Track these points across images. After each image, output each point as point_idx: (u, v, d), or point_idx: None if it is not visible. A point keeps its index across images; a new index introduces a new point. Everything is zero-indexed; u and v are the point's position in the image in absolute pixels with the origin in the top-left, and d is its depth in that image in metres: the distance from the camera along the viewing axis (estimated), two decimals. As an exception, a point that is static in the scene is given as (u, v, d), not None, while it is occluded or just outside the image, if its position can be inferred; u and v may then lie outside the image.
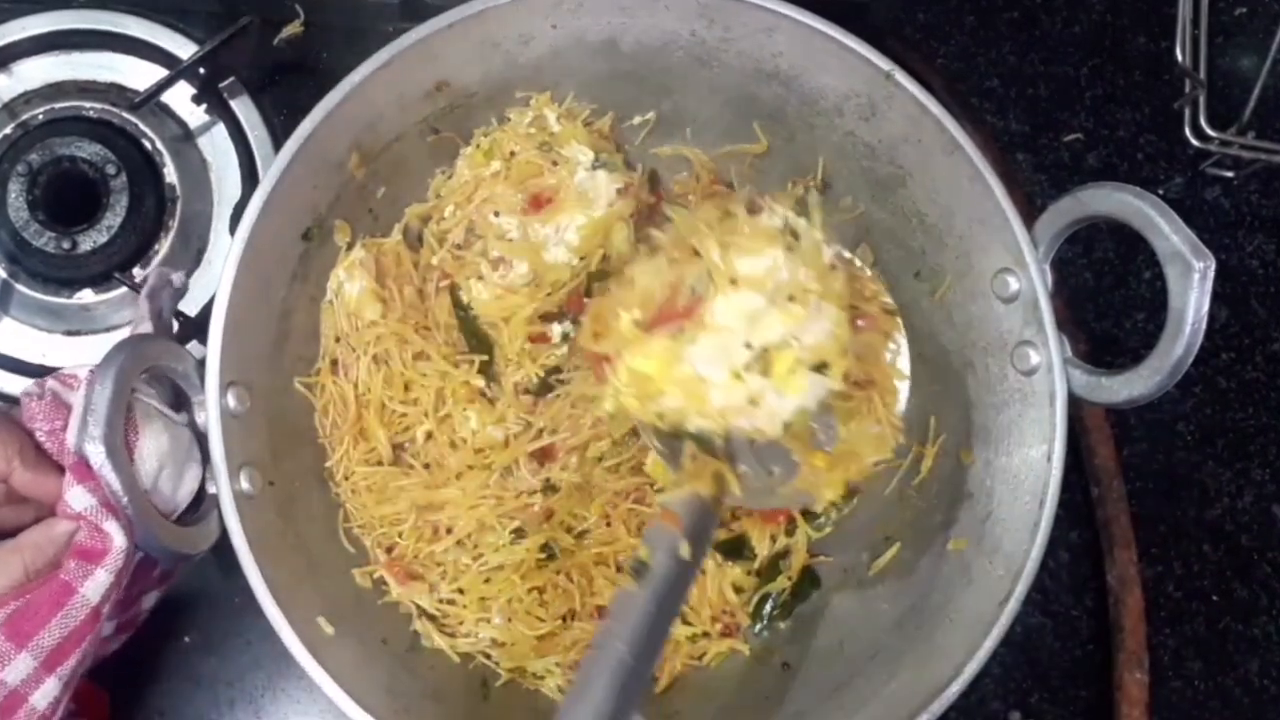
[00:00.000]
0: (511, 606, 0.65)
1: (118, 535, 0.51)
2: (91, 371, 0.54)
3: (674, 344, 0.54)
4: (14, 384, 0.73)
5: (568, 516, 0.67)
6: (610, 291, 0.59)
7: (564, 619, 0.66)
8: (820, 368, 0.55)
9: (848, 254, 0.67)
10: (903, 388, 0.63)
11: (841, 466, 0.59)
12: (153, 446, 0.53)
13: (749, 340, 0.53)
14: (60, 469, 0.52)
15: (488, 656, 0.66)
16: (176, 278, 0.60)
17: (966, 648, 0.57)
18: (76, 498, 0.51)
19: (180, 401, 0.58)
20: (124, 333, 0.58)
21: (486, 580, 0.65)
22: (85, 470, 0.51)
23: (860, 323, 0.60)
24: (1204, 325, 0.53)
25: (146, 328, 0.57)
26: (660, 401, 0.56)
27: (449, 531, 0.66)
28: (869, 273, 0.67)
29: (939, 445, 0.66)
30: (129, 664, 0.70)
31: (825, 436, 0.60)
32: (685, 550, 0.55)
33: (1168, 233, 0.53)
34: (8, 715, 0.49)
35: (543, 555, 0.66)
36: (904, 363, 0.64)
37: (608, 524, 0.67)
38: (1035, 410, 0.60)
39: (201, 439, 0.57)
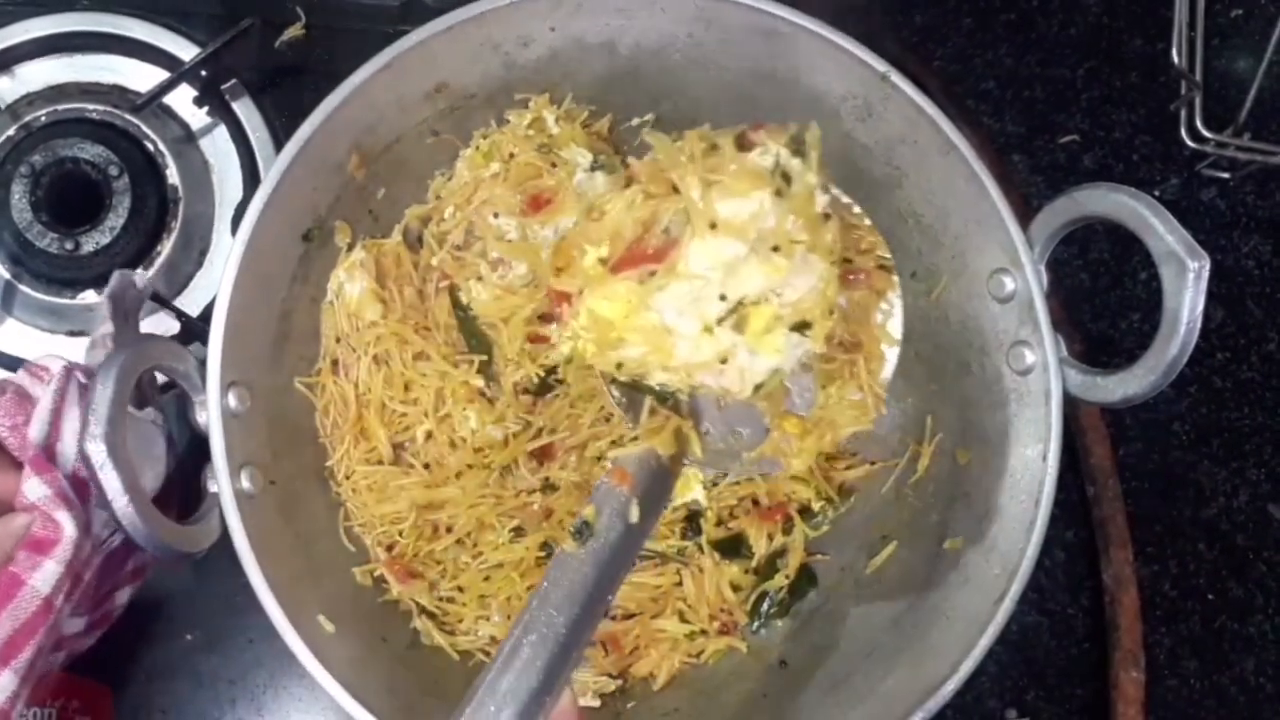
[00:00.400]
0: (511, 604, 0.65)
1: (68, 525, 0.51)
2: (65, 368, 0.54)
3: (641, 288, 0.49)
4: (16, 384, 0.73)
5: (567, 515, 0.67)
6: (578, 222, 0.54)
7: (563, 617, 0.66)
8: (801, 327, 0.50)
9: (845, 198, 0.59)
10: (891, 354, 0.59)
11: (816, 434, 0.56)
12: None
13: (724, 291, 0.48)
14: (19, 466, 0.52)
15: (487, 654, 0.66)
16: (139, 279, 0.59)
17: (963, 646, 0.57)
18: (32, 489, 0.51)
19: (144, 398, 0.58)
20: (104, 333, 0.57)
21: (486, 578, 0.66)
22: (43, 463, 0.51)
23: (851, 278, 0.56)
24: (1199, 325, 0.53)
25: (108, 329, 0.57)
26: (621, 350, 0.51)
27: (449, 530, 0.66)
28: (867, 222, 0.60)
29: (935, 444, 0.67)
30: (131, 662, 0.70)
31: (801, 400, 0.56)
32: (634, 513, 0.51)
33: (1163, 233, 0.53)
34: None
35: (542, 554, 0.66)
36: (895, 325, 0.59)
37: (607, 523, 0.67)
38: (1031, 410, 0.60)
39: (171, 435, 0.57)
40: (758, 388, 0.51)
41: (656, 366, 0.51)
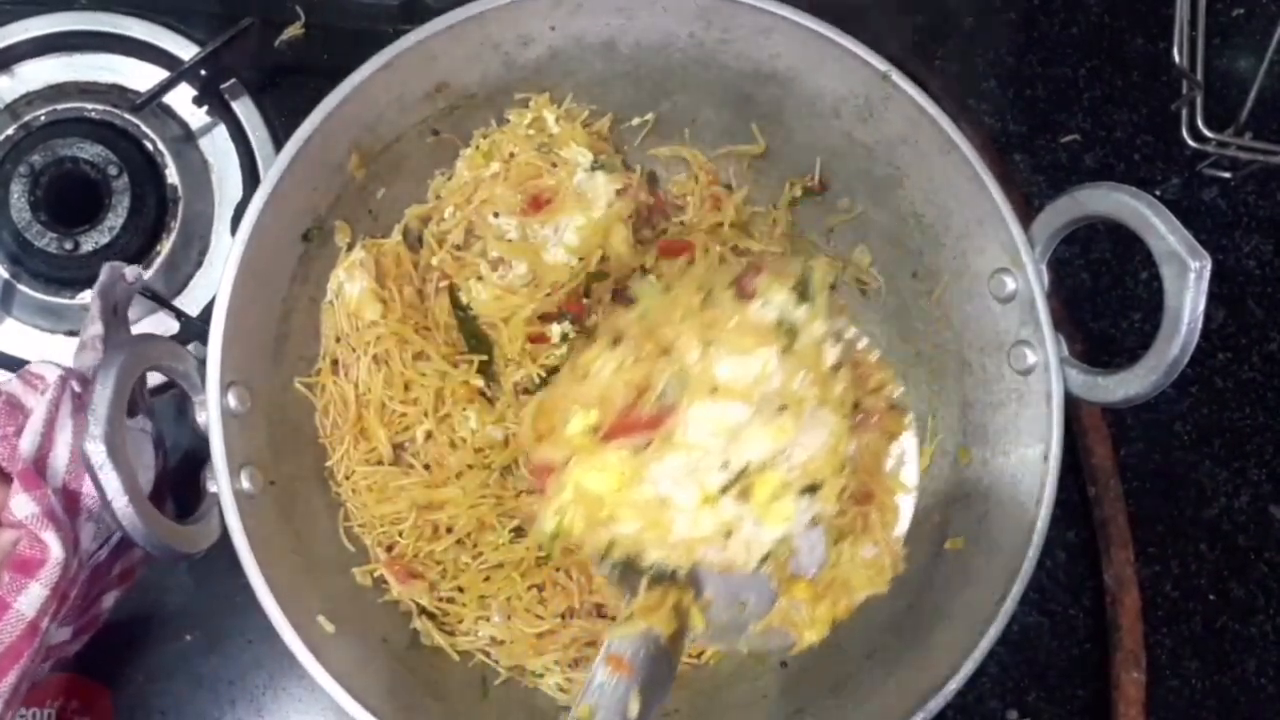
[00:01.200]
0: (511, 604, 0.65)
1: (55, 546, 0.50)
2: (61, 377, 0.54)
3: (635, 460, 0.44)
4: (16, 384, 0.73)
5: (567, 516, 0.67)
6: (561, 382, 0.49)
7: (563, 617, 0.66)
8: (811, 489, 0.45)
9: (852, 330, 0.51)
10: (906, 504, 0.54)
11: (828, 600, 0.50)
12: None
13: (727, 459, 0.44)
14: (8, 478, 0.51)
15: (487, 654, 0.66)
16: (130, 272, 0.59)
17: (964, 646, 0.57)
18: (20, 505, 0.50)
19: (133, 406, 0.58)
20: (93, 334, 0.57)
21: (486, 578, 0.66)
22: (33, 478, 0.50)
23: (861, 421, 0.50)
24: (1200, 325, 0.53)
25: (97, 328, 0.56)
26: (612, 527, 0.46)
27: (449, 530, 0.66)
28: (874, 357, 0.55)
29: (936, 444, 0.67)
30: (131, 662, 0.70)
31: (809, 558, 0.49)
32: (635, 707, 0.45)
33: (1164, 233, 0.53)
34: None
35: (542, 553, 0.66)
36: (910, 472, 0.54)
37: (607, 523, 0.67)
38: (1032, 410, 0.60)
39: (160, 445, 0.57)
40: (764, 559, 0.46)
41: (652, 544, 0.46)
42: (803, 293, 0.46)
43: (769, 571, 0.48)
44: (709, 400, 0.44)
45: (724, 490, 0.44)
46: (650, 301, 0.48)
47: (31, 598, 0.50)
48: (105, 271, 0.57)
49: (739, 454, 0.44)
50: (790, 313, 0.45)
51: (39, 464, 0.52)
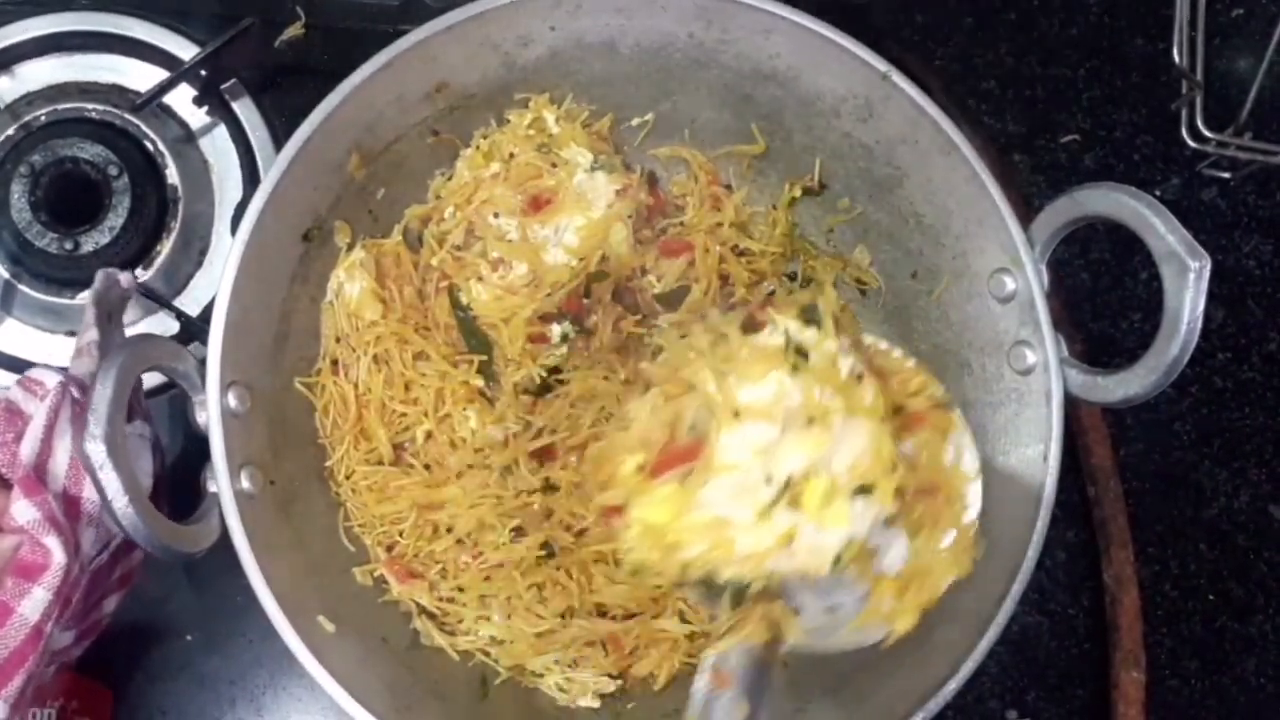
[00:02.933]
0: (511, 604, 0.65)
1: (57, 551, 0.50)
2: (61, 383, 0.54)
3: (683, 489, 0.48)
4: (16, 384, 0.73)
5: (567, 515, 0.67)
6: (609, 435, 0.53)
7: (563, 616, 0.66)
8: (864, 490, 0.48)
9: (883, 343, 0.57)
10: (973, 490, 0.55)
11: (914, 590, 0.52)
12: None
13: (769, 474, 0.47)
14: (8, 486, 0.51)
15: (487, 654, 0.66)
16: (125, 278, 0.59)
17: (964, 646, 0.57)
18: (21, 511, 0.50)
19: (133, 410, 0.58)
20: (89, 340, 0.57)
21: (486, 578, 0.66)
22: (33, 484, 0.51)
23: (905, 419, 0.53)
24: (1200, 325, 0.53)
25: (93, 334, 0.56)
26: (681, 552, 0.49)
27: (449, 530, 0.66)
28: (911, 364, 0.57)
29: (936, 445, 0.67)
30: (131, 662, 0.70)
31: (892, 556, 0.52)
32: (743, 710, 0.48)
33: (1163, 233, 0.53)
34: None
35: (542, 553, 0.66)
36: (970, 460, 0.55)
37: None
38: (1032, 410, 0.60)
39: (158, 449, 0.57)
40: (837, 561, 0.49)
41: (722, 562, 0.49)
42: (809, 319, 0.49)
43: (854, 575, 0.51)
44: (735, 424, 0.47)
45: (774, 503, 0.47)
46: (671, 347, 0.52)
47: (35, 602, 0.50)
48: (100, 278, 0.58)
49: (779, 468, 0.47)
50: (797, 335, 0.49)
51: (39, 470, 0.52)
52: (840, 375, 0.49)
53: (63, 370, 0.56)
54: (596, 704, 0.66)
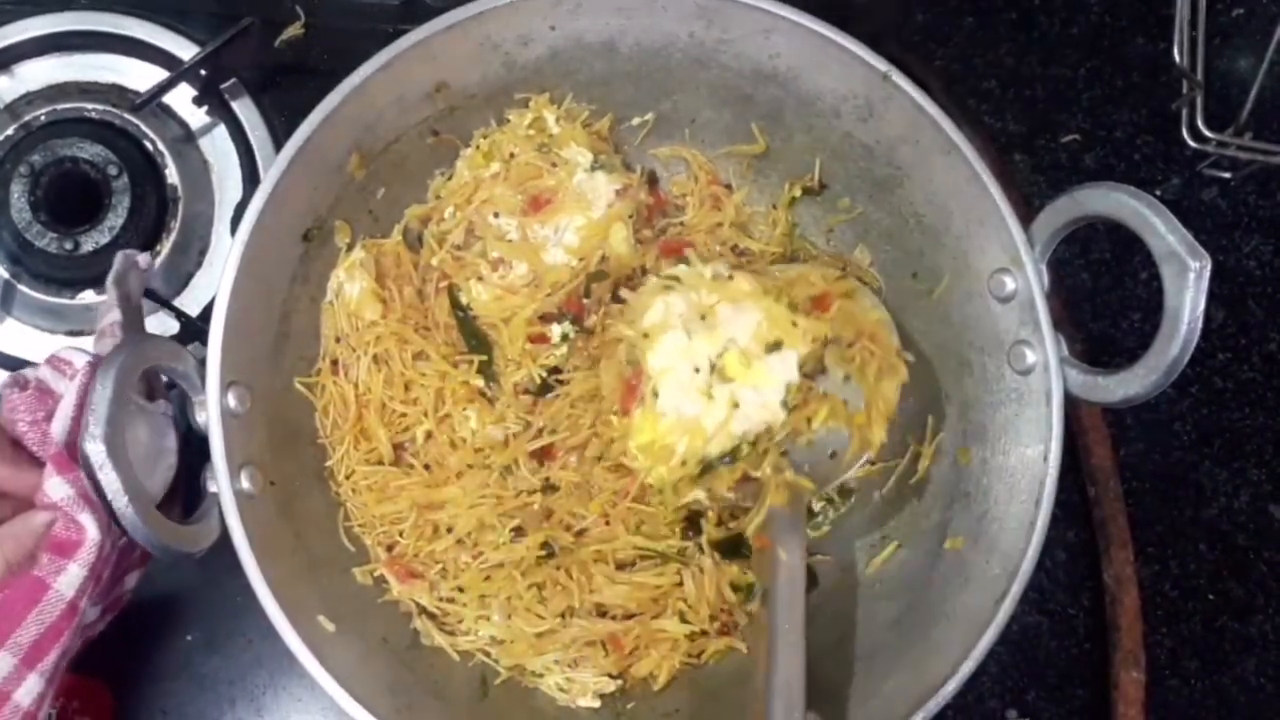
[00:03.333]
0: (511, 604, 0.65)
1: (91, 527, 0.51)
2: (89, 363, 0.54)
3: (646, 409, 0.60)
4: (16, 384, 0.73)
5: (567, 515, 0.67)
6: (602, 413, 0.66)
7: (563, 616, 0.66)
8: (774, 346, 0.60)
9: (752, 246, 0.72)
10: (886, 324, 0.66)
11: (876, 408, 0.64)
12: (130, 438, 0.53)
13: (695, 365, 0.60)
14: (39, 463, 0.52)
15: (487, 654, 0.66)
16: (143, 259, 0.59)
17: (963, 646, 0.57)
18: (55, 487, 0.51)
19: (154, 390, 0.58)
20: (111, 321, 0.58)
21: (486, 578, 0.66)
22: (66, 461, 0.51)
23: (823, 299, 0.65)
24: (1200, 325, 0.53)
25: (115, 316, 0.57)
26: (675, 454, 0.60)
27: (449, 530, 0.66)
28: (819, 251, 0.73)
29: (936, 444, 0.67)
30: (131, 662, 0.70)
31: (856, 400, 0.64)
32: (784, 554, 0.60)
33: (1164, 232, 0.53)
34: None
35: (542, 553, 0.66)
36: (877, 307, 0.67)
37: (606, 523, 0.67)
38: (1032, 409, 0.60)
39: (178, 426, 0.57)
40: (786, 404, 0.61)
41: (703, 444, 0.60)
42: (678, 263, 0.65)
43: (834, 425, 0.63)
44: (651, 343, 0.60)
45: (710, 385, 0.60)
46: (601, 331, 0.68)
47: (71, 578, 0.50)
48: (119, 259, 0.58)
49: (699, 358, 0.60)
50: (668, 273, 0.63)
51: (70, 447, 0.52)
52: (706, 279, 0.62)
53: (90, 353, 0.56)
54: (596, 704, 0.66)
